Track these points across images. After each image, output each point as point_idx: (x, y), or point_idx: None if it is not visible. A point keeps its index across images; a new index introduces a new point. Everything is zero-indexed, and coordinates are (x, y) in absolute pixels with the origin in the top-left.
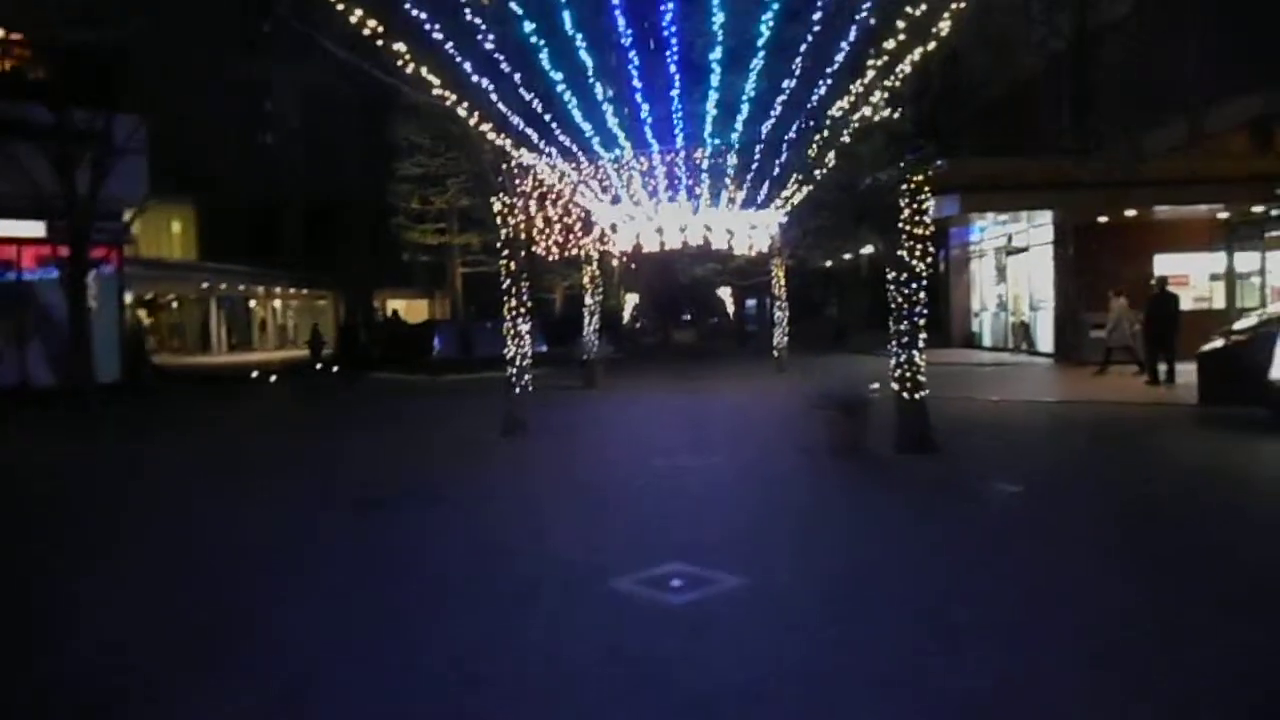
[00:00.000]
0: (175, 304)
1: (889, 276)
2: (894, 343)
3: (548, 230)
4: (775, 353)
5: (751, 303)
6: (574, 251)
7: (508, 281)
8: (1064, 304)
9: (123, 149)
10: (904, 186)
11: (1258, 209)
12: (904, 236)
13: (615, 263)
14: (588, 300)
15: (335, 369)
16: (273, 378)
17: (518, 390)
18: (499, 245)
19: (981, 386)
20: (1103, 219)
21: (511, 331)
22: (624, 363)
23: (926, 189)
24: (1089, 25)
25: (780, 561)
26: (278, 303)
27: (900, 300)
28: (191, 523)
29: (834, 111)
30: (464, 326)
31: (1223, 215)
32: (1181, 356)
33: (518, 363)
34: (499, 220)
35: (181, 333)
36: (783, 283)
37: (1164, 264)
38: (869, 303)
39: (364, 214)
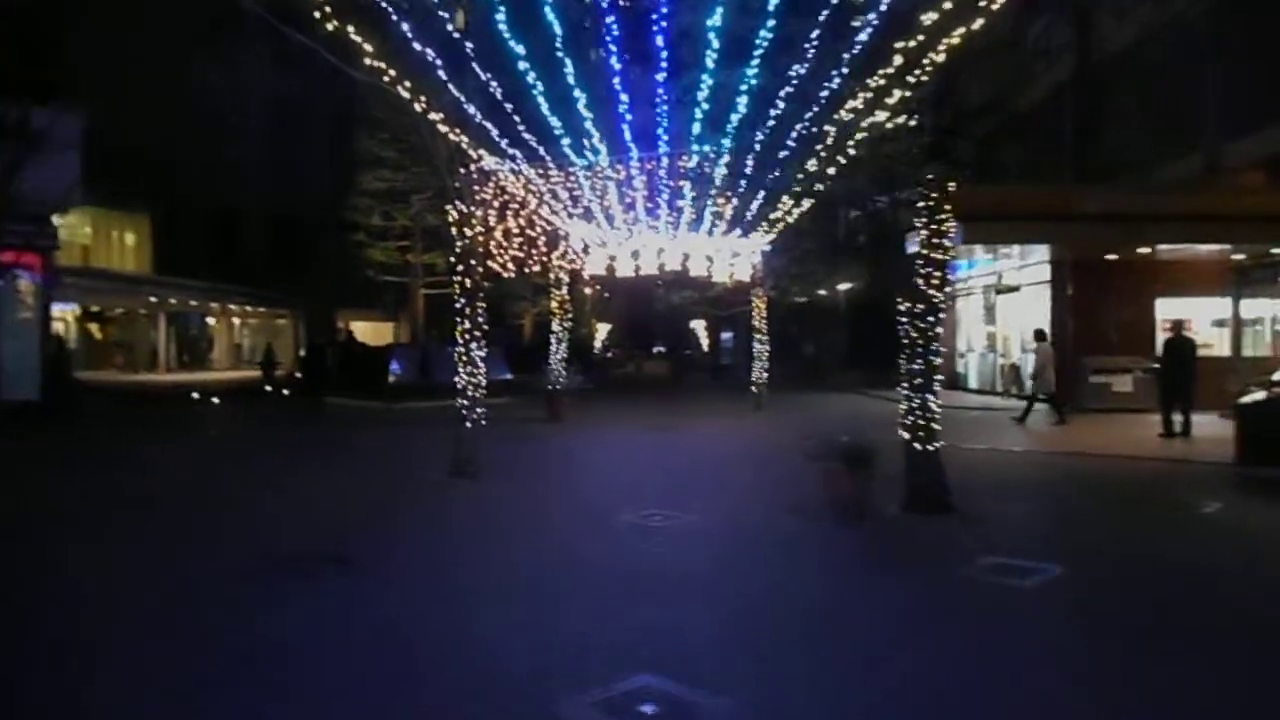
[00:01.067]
0: (123, 318)
1: (901, 308)
2: (904, 384)
3: (508, 244)
4: (754, 389)
5: (727, 336)
6: (537, 268)
7: (461, 300)
8: (1062, 347)
9: (38, 141)
10: (920, 205)
11: (1278, 250)
12: (919, 262)
13: (588, 290)
14: (555, 326)
15: (286, 392)
16: (215, 400)
17: (469, 425)
18: (452, 259)
19: (977, 433)
20: (1111, 257)
21: (464, 357)
22: (593, 394)
23: (947, 208)
24: (1100, 54)
25: (781, 675)
26: (236, 320)
27: (914, 335)
28: (28, 593)
29: (844, 113)
30: (424, 350)
31: (1237, 257)
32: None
33: (470, 393)
34: (453, 231)
35: (128, 349)
36: (764, 315)
37: (1166, 308)
38: (846, 340)
39: (328, 231)
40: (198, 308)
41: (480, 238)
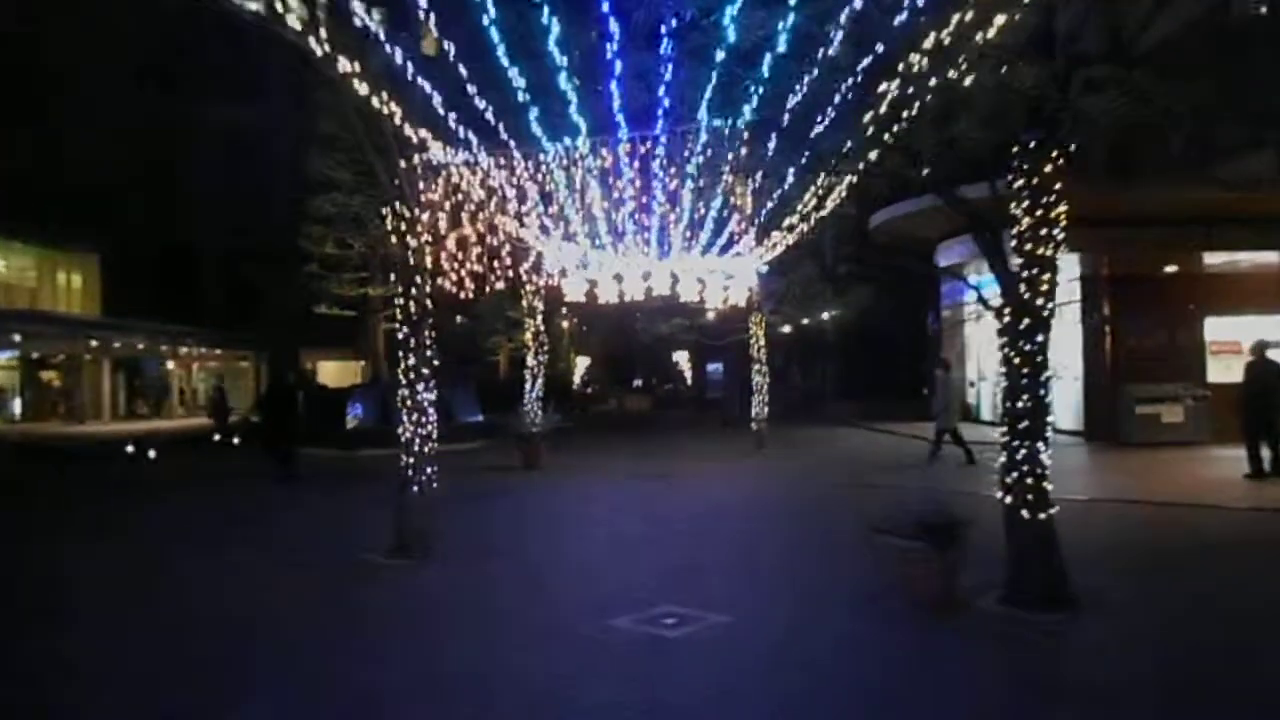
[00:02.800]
0: (68, 365)
1: (1000, 324)
2: (1006, 429)
3: (464, 256)
4: (754, 426)
5: (714, 367)
6: (500, 285)
7: (405, 330)
8: (1098, 374)
9: None
10: (1021, 184)
11: None
12: (1022, 261)
13: (565, 324)
14: (529, 361)
15: (238, 441)
16: (151, 453)
17: (415, 489)
18: (393, 278)
19: None
20: (1172, 269)
21: (409, 402)
22: (573, 434)
23: (1056, 187)
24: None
25: None
26: (195, 365)
27: (1017, 361)
28: None
29: (916, 56)
30: (386, 391)
31: None
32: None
33: (416, 448)
34: (394, 240)
35: (69, 397)
36: (762, 343)
37: (1216, 327)
38: (836, 370)
39: (289, 266)
40: (146, 351)
41: (428, 248)
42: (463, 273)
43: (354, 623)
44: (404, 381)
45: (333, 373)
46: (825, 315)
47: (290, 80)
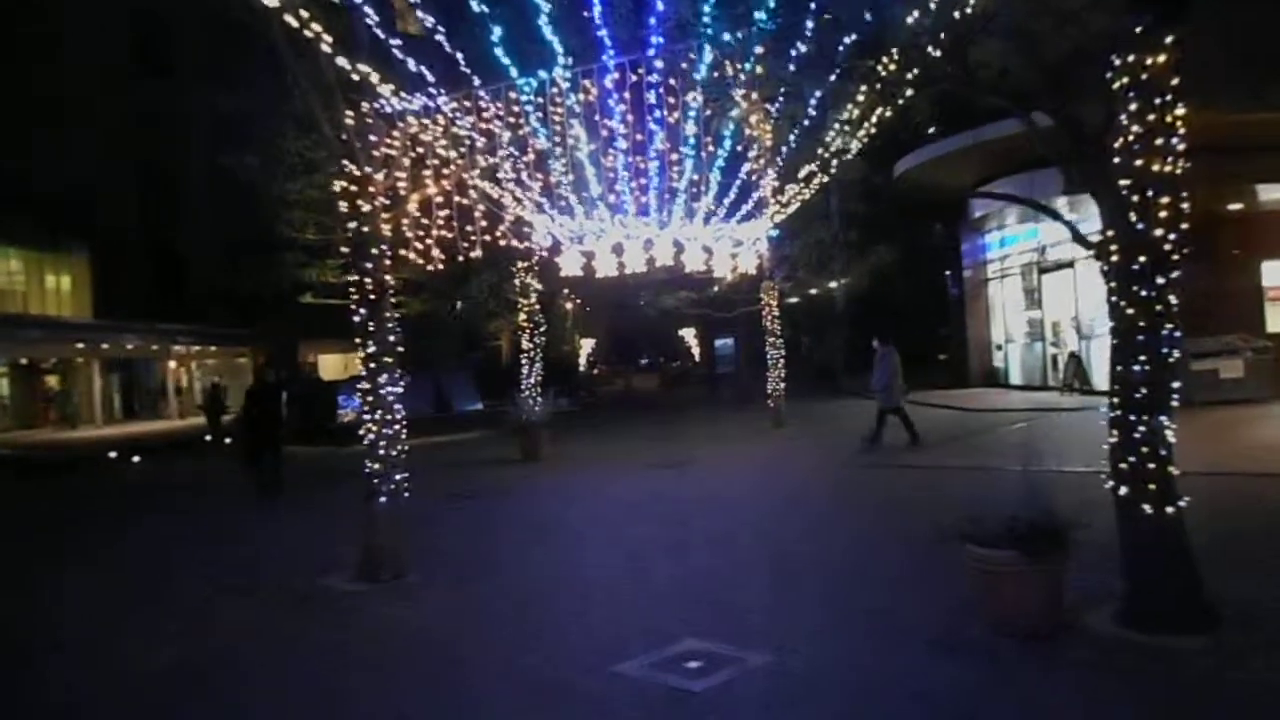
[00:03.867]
0: (60, 369)
1: (1105, 267)
2: (1117, 400)
3: (430, 221)
4: (771, 403)
5: (722, 342)
6: (474, 253)
7: (362, 312)
8: None
9: None
10: (1126, 82)
11: None
12: (1130, 183)
13: (568, 305)
14: (524, 344)
15: (230, 441)
16: (136, 458)
17: (383, 499)
18: (347, 248)
19: (1067, 446)
20: (1236, 206)
21: (371, 397)
22: (578, 418)
23: (1174, 83)
24: None
25: None
26: (193, 363)
27: (1130, 312)
28: None
29: None
30: None
31: None
32: None
33: (381, 451)
34: (345, 207)
35: (60, 401)
36: (776, 314)
37: (1273, 273)
38: (846, 340)
39: (280, 257)
40: (136, 351)
41: (387, 215)
42: (429, 241)
43: (293, 671)
44: (365, 370)
45: (335, 366)
46: (834, 285)
47: (274, 68)
